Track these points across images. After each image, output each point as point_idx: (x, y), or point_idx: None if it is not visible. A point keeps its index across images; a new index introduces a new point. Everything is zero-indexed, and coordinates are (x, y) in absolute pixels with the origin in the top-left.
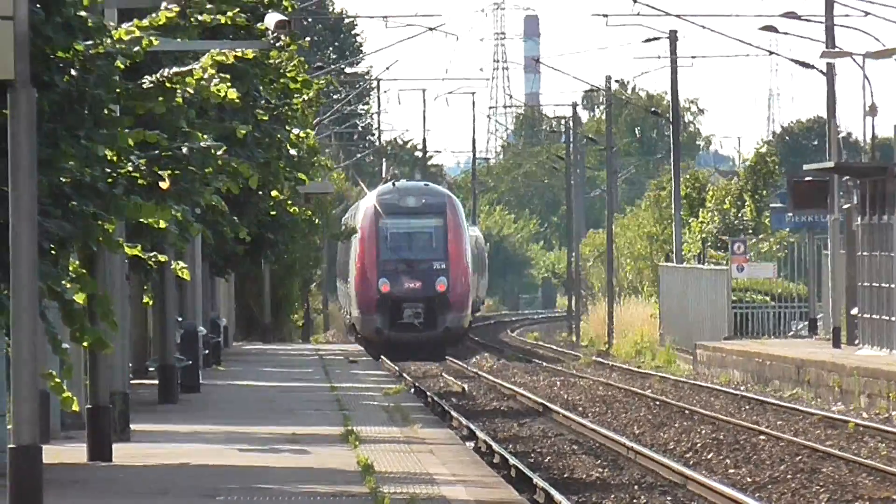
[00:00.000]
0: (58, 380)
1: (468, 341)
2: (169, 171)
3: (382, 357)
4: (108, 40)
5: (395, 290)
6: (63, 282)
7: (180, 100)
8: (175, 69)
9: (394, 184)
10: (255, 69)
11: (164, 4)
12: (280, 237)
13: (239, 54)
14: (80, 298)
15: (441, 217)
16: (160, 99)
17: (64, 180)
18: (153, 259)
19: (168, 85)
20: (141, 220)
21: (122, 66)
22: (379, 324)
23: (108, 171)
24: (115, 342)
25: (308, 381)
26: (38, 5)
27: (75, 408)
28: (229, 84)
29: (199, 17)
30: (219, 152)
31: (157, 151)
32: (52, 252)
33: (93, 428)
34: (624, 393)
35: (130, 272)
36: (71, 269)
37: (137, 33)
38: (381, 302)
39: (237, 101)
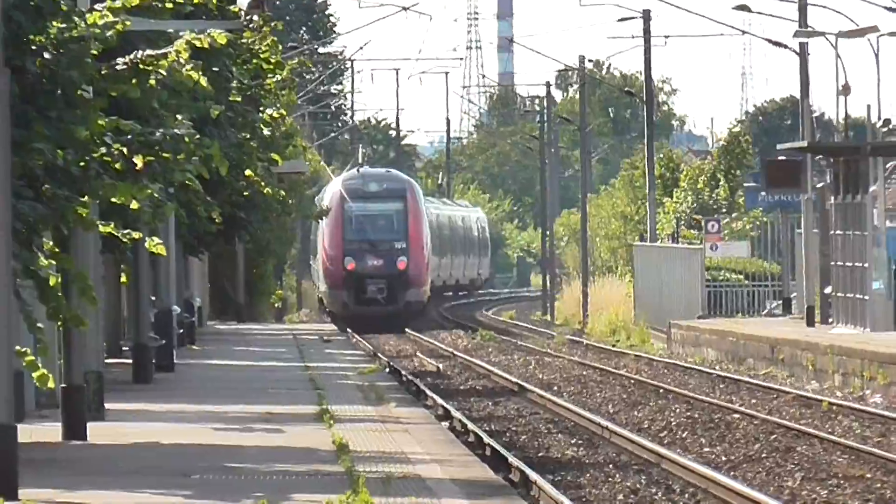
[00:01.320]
0: (32, 358)
1: (438, 317)
2: (141, 157)
3: (356, 336)
4: (82, 24)
5: (359, 267)
6: (38, 260)
7: (153, 82)
8: (149, 52)
9: (358, 170)
10: (229, 49)
11: None
12: (253, 217)
13: (213, 38)
14: (54, 273)
15: (401, 201)
16: (133, 82)
17: (39, 162)
18: (127, 236)
19: (142, 67)
20: (115, 200)
21: (97, 52)
22: (345, 298)
23: (82, 154)
24: (90, 320)
25: (282, 360)
26: None
27: (51, 385)
28: (202, 70)
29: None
30: (191, 140)
31: (129, 136)
32: (24, 233)
33: (67, 407)
34: (599, 372)
35: (104, 251)
36: (45, 248)
37: (111, 18)
38: (347, 279)
39: (209, 88)
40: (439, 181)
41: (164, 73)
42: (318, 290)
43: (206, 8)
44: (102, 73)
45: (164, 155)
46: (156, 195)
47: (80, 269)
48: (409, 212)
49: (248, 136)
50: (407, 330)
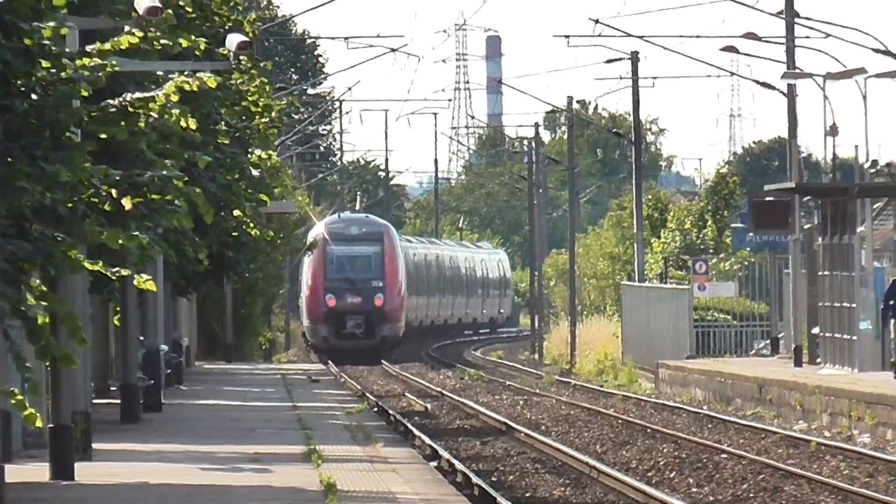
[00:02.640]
0: (20, 397)
1: (428, 359)
2: (129, 198)
3: (344, 376)
4: (71, 67)
5: (339, 304)
6: (26, 300)
7: (143, 125)
8: (138, 94)
9: (339, 215)
10: (217, 93)
11: (126, 28)
12: (242, 256)
13: (203, 81)
14: (43, 313)
15: (379, 244)
16: (122, 124)
17: (24, 201)
18: (116, 274)
19: (131, 110)
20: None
21: (86, 94)
22: (325, 333)
23: (69, 195)
24: (78, 354)
25: (270, 400)
26: None
27: (38, 424)
28: (189, 113)
29: (162, 41)
30: (180, 182)
31: (117, 178)
32: (12, 272)
33: (55, 447)
34: (587, 412)
35: (92, 290)
36: (32, 286)
37: (100, 61)
38: (328, 314)
39: (196, 131)
40: (460, 225)
41: (155, 116)
42: (302, 325)
43: (194, 52)
44: (91, 114)
45: (153, 196)
46: (144, 244)
47: (69, 309)
48: (386, 253)
49: (237, 177)
50: (396, 370)
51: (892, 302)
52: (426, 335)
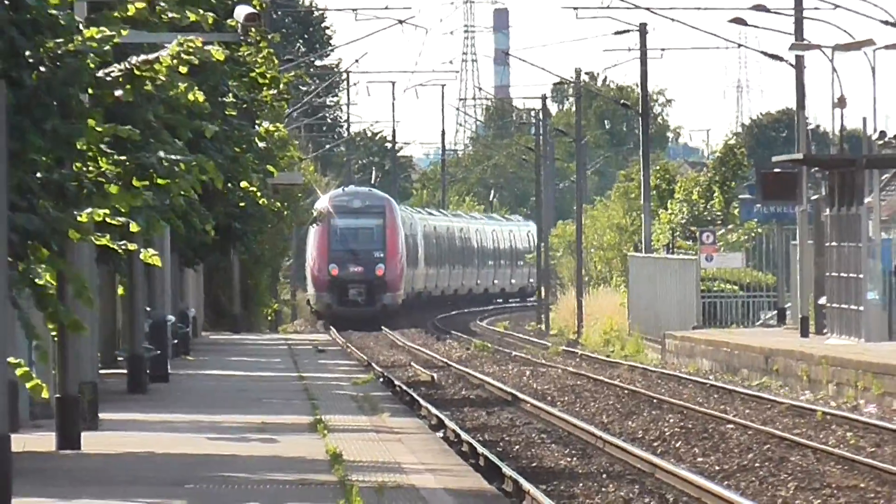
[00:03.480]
0: (26, 368)
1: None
2: (136, 180)
3: (350, 346)
4: (79, 38)
5: (342, 273)
6: (35, 268)
7: (150, 87)
8: (143, 56)
9: (343, 189)
10: (224, 65)
11: None
12: (249, 228)
13: (208, 51)
14: (51, 278)
15: (381, 217)
16: (128, 87)
17: (38, 176)
18: (122, 247)
19: (136, 72)
20: (111, 217)
21: (94, 65)
22: (329, 300)
23: (78, 165)
24: (86, 323)
25: (277, 370)
26: (5, 2)
27: (45, 395)
28: (197, 85)
29: (169, 14)
30: (187, 164)
31: (124, 158)
32: (20, 244)
33: (62, 417)
34: (593, 382)
35: (99, 261)
36: (41, 254)
37: (108, 32)
38: (332, 283)
39: (204, 103)
40: (491, 198)
41: (162, 79)
42: (307, 293)
43: (202, 25)
44: (97, 79)
45: (159, 181)
46: (150, 202)
47: (76, 271)
48: (388, 226)
49: (245, 148)
50: (401, 340)
51: None
52: (456, 303)
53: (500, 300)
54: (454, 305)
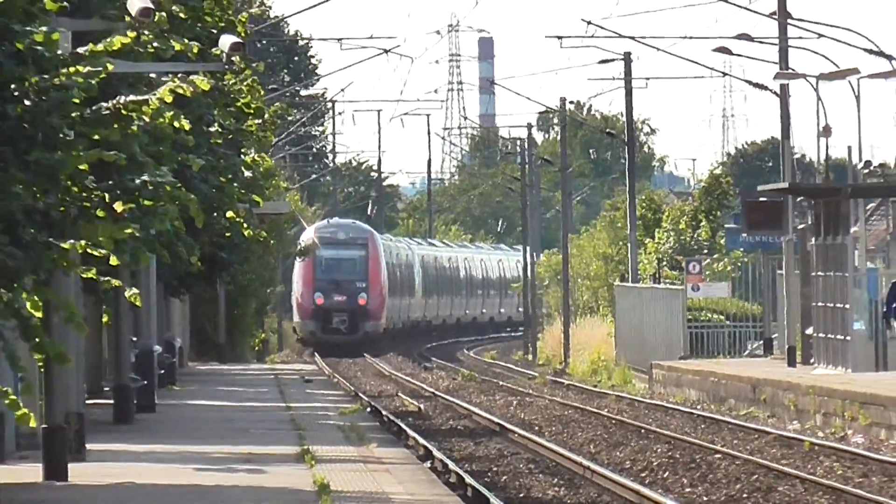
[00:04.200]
0: (14, 397)
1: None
2: (121, 203)
3: (337, 376)
4: (63, 73)
5: (326, 302)
6: (20, 298)
7: (135, 129)
8: (132, 97)
9: (328, 221)
10: (208, 98)
11: (118, 26)
12: (235, 258)
13: (196, 85)
14: (37, 311)
15: (364, 248)
16: (115, 126)
17: (21, 205)
18: (107, 283)
19: (124, 112)
20: (94, 248)
21: (79, 101)
22: (313, 328)
23: (62, 197)
24: (72, 354)
25: (264, 400)
26: None
27: (32, 424)
28: (182, 114)
29: (154, 44)
30: (171, 188)
31: (110, 182)
32: (3, 278)
33: (48, 448)
34: (580, 412)
35: (85, 291)
36: (26, 281)
37: (93, 68)
38: (316, 311)
39: (188, 133)
40: (498, 229)
41: (147, 119)
42: (293, 321)
43: (186, 55)
44: (84, 117)
45: (145, 203)
46: (137, 234)
47: (64, 297)
48: (370, 257)
49: (230, 178)
50: (388, 370)
51: (894, 305)
52: (448, 331)
53: (491, 330)
54: (450, 334)
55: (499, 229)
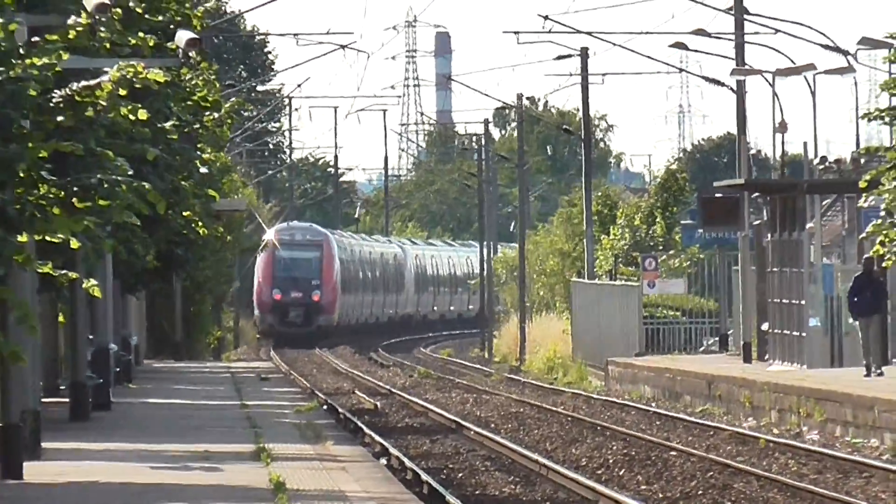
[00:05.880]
0: None
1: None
2: (77, 200)
3: (294, 373)
4: (19, 65)
5: (284, 298)
6: None
7: (91, 113)
8: (84, 83)
9: (287, 223)
10: (167, 89)
11: (73, 19)
12: (190, 254)
13: (152, 78)
14: None
15: (319, 249)
16: (69, 113)
17: None
18: (64, 277)
19: (77, 99)
20: (52, 236)
21: (35, 93)
22: (271, 321)
23: (20, 190)
24: (26, 355)
25: (220, 398)
26: None
27: None
28: (139, 106)
29: (110, 38)
30: (126, 185)
31: (67, 180)
32: None
33: (3, 446)
34: (536, 409)
35: (41, 290)
36: None
37: (48, 60)
38: (274, 306)
39: (145, 126)
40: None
41: (103, 104)
42: (254, 315)
43: (142, 50)
44: (39, 104)
45: (102, 203)
46: (92, 227)
47: (18, 298)
48: (325, 257)
49: (186, 175)
50: (344, 367)
51: (855, 298)
52: (422, 326)
53: (459, 325)
54: (405, 331)
55: (450, 226)
